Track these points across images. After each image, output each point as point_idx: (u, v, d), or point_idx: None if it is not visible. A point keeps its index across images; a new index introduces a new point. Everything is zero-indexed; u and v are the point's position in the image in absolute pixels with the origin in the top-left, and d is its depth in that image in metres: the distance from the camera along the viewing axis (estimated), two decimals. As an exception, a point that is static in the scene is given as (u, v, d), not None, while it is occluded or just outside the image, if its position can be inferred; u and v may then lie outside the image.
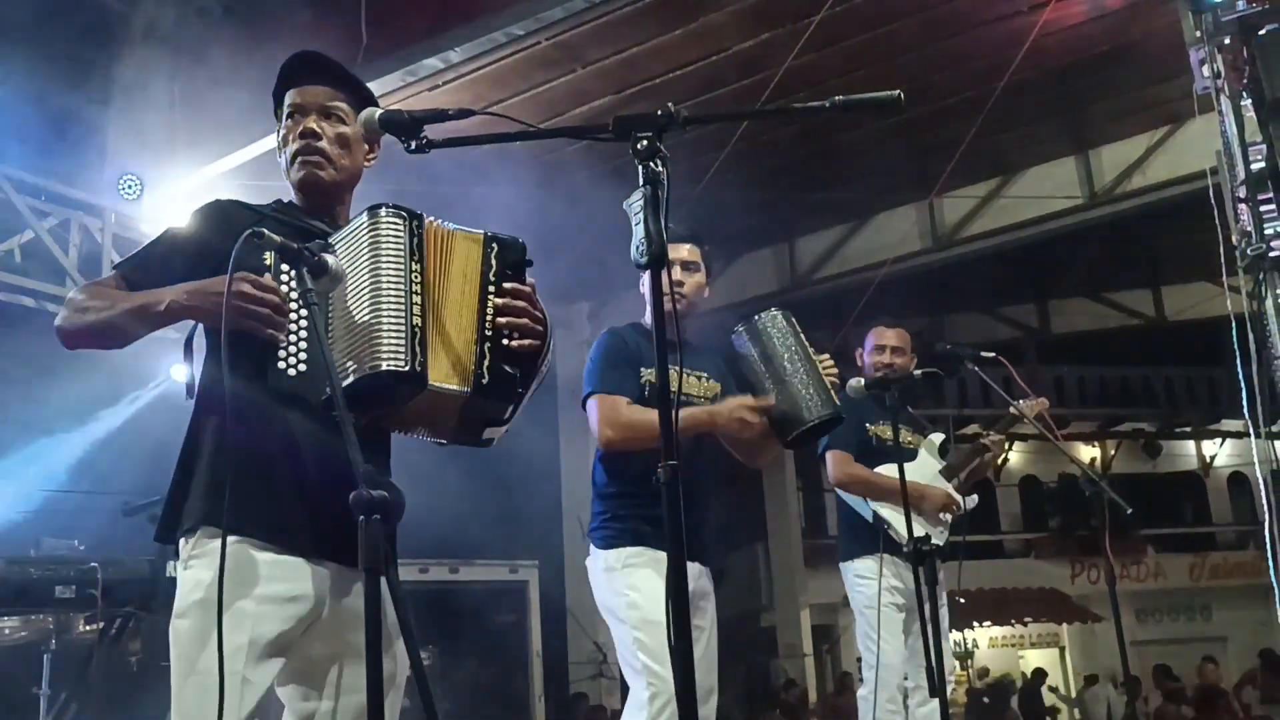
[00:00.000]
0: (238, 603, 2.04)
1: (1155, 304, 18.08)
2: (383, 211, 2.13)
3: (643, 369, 3.33)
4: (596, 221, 7.37)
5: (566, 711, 11.72)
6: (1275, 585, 5.42)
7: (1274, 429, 5.62)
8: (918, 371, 4.01)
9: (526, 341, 2.22)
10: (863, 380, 3.96)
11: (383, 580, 2.25)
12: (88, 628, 4.94)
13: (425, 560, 9.53)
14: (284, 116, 2.38)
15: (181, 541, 2.15)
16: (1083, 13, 8.93)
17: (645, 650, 3.12)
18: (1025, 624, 19.17)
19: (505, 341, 2.20)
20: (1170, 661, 15.95)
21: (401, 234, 2.12)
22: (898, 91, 1.72)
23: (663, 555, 3.20)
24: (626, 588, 3.21)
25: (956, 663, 19.36)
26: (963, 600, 18.43)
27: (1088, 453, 20.50)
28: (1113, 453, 20.76)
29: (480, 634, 9.39)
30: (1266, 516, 5.42)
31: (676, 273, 3.40)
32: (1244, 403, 5.51)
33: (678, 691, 1.67)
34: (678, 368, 3.33)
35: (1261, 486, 5.55)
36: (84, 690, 4.90)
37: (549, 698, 10.27)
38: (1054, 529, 19.91)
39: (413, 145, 1.99)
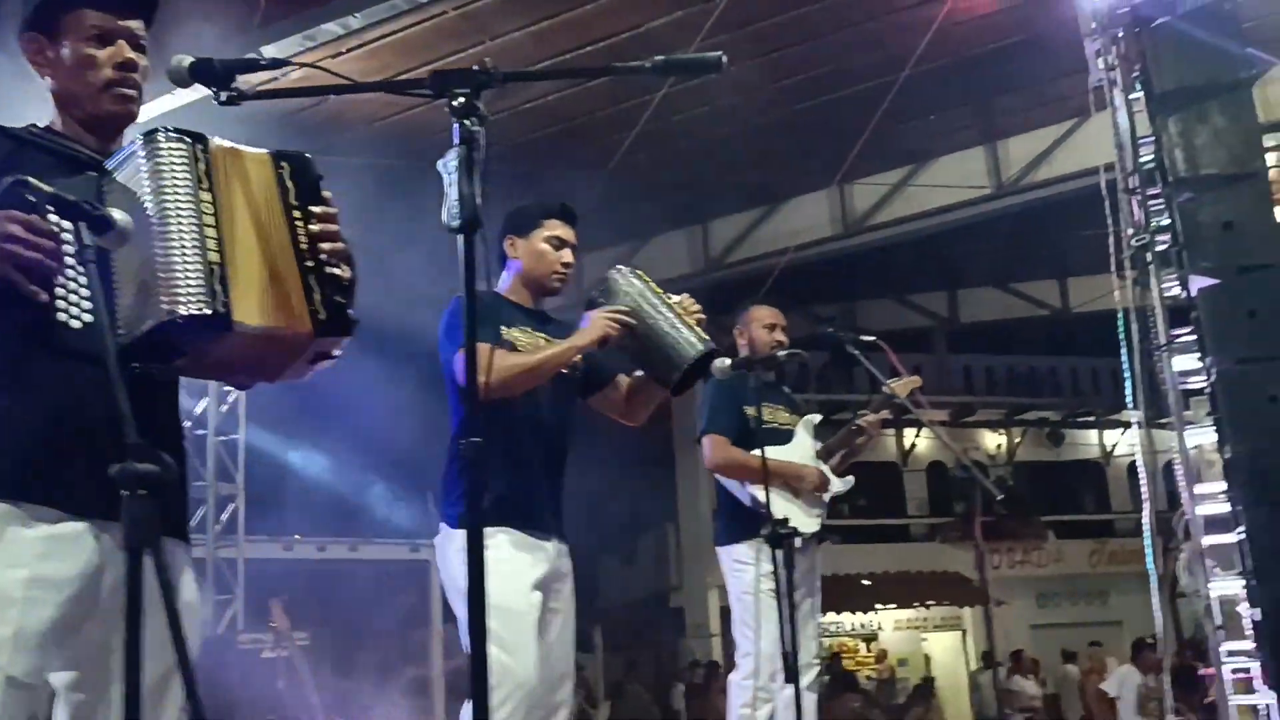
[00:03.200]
0: (4, 589, 1.84)
1: (1061, 295, 18.44)
2: (161, 136, 1.95)
3: (503, 328, 3.22)
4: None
5: (467, 689, 11.64)
6: (1151, 572, 5.54)
7: (1165, 419, 5.72)
8: (782, 353, 3.97)
9: (348, 271, 2.09)
10: (729, 361, 3.91)
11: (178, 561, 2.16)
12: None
13: (323, 538, 9.38)
14: (75, 34, 2.12)
15: None
16: (992, 2, 9.00)
17: (494, 639, 3.01)
18: (929, 607, 19.48)
19: (330, 271, 2.05)
20: (1069, 645, 16.34)
21: (185, 160, 1.94)
22: (720, 54, 1.65)
23: (525, 537, 3.16)
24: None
25: (862, 644, 19.65)
26: (868, 583, 18.69)
27: (994, 440, 20.87)
28: (1018, 440, 21.15)
29: (380, 613, 9.27)
30: (1145, 505, 5.52)
31: (567, 254, 3.35)
32: (1128, 394, 5.60)
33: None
34: (534, 331, 3.31)
35: (1142, 475, 5.65)
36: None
37: (449, 680, 10.18)
38: (959, 514, 20.27)
39: (224, 96, 1.86)
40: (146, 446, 1.52)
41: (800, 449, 4.61)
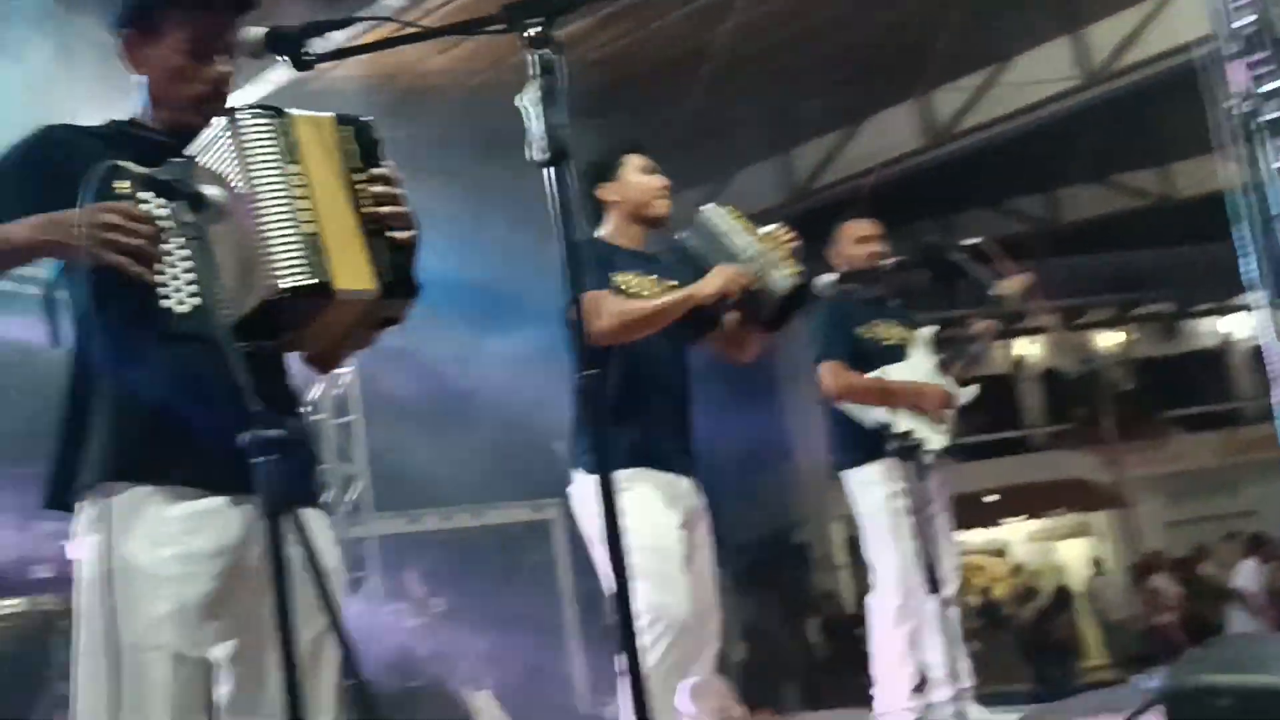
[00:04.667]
0: (156, 569, 1.91)
1: (1165, 183, 17.71)
2: (241, 115, 1.98)
3: (613, 275, 3.26)
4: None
5: (601, 645, 11.79)
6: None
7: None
8: (888, 261, 3.88)
9: (411, 233, 2.10)
10: (835, 275, 3.84)
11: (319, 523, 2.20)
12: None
13: (448, 508, 9.56)
14: (176, 36, 2.13)
15: (80, 505, 2.00)
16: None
17: (646, 577, 3.04)
18: (1056, 516, 19.13)
19: (393, 234, 2.06)
20: (1202, 541, 15.97)
21: (271, 134, 1.97)
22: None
23: (662, 475, 3.20)
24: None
25: (993, 560, 19.40)
26: (991, 498, 18.40)
27: (1107, 339, 20.26)
28: (1132, 338, 20.51)
29: (509, 577, 9.44)
30: (1274, 385, 5.31)
31: (660, 177, 3.39)
32: (1247, 273, 5.38)
33: (621, 614, 1.57)
34: (644, 274, 3.33)
35: (1269, 354, 5.43)
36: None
37: (584, 634, 10.32)
38: (1078, 419, 19.78)
39: (298, 63, 1.88)
40: (269, 413, 1.55)
41: (917, 365, 4.53)
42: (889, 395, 4.30)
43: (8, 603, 4.41)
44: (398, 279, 2.03)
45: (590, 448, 3.17)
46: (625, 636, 1.63)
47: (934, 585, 3.41)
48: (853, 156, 12.15)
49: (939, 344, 4.60)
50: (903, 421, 4.21)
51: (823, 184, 12.48)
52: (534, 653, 9.43)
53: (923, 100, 11.50)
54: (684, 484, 3.28)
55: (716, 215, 3.31)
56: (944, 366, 4.58)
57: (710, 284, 3.14)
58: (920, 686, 4.25)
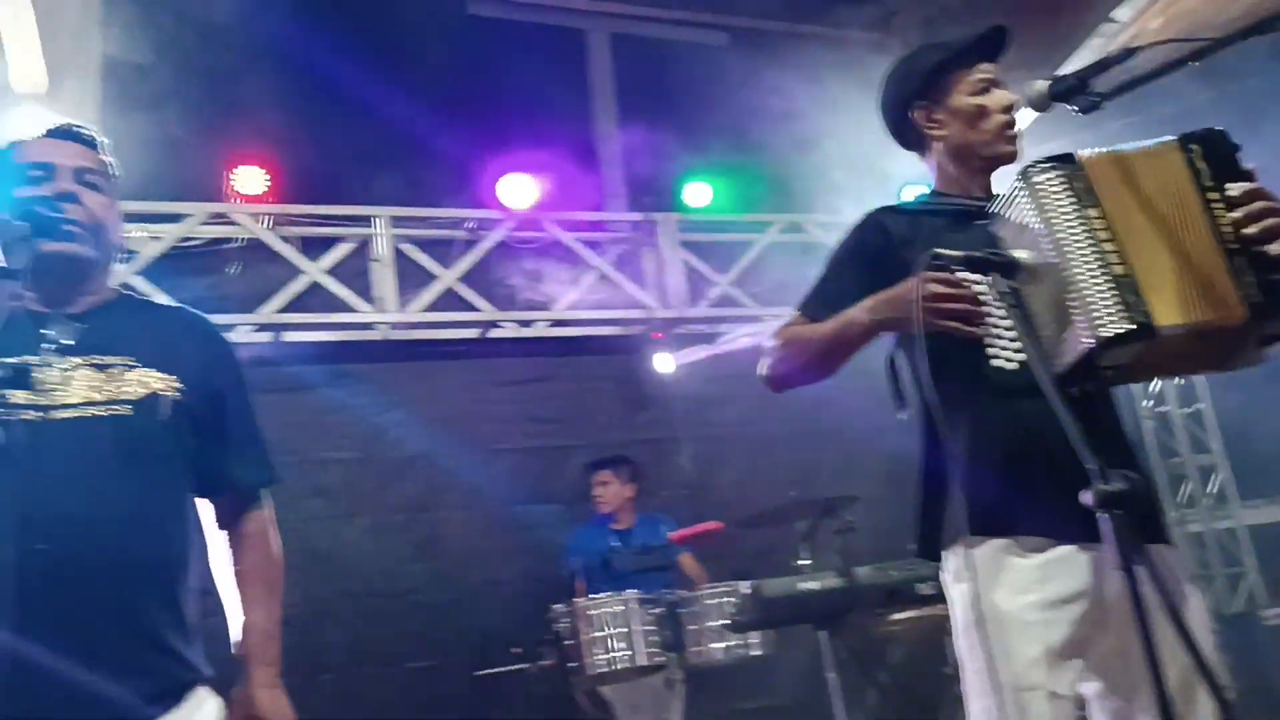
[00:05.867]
0: (1020, 614, 2.04)
1: None
2: (1033, 170, 2.03)
3: None
4: None
5: None
6: None
7: None
8: None
9: None
10: None
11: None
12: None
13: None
14: (962, 91, 2.37)
15: (946, 555, 2.19)
16: None
17: None
18: None
19: (1261, 250, 1.93)
20: None
21: (1063, 185, 1.99)
22: None
23: None
24: None
25: None
26: None
27: None
28: None
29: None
30: None
31: None
32: None
33: None
34: None
35: None
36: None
37: None
38: None
39: (1084, 106, 1.91)
40: (1109, 469, 1.60)
41: None
42: None
43: (905, 614, 5.06)
44: (1268, 297, 1.92)
45: None
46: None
47: None
48: None
49: None
50: None
51: None
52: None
53: None
54: None
55: None
56: None
57: None
58: None
